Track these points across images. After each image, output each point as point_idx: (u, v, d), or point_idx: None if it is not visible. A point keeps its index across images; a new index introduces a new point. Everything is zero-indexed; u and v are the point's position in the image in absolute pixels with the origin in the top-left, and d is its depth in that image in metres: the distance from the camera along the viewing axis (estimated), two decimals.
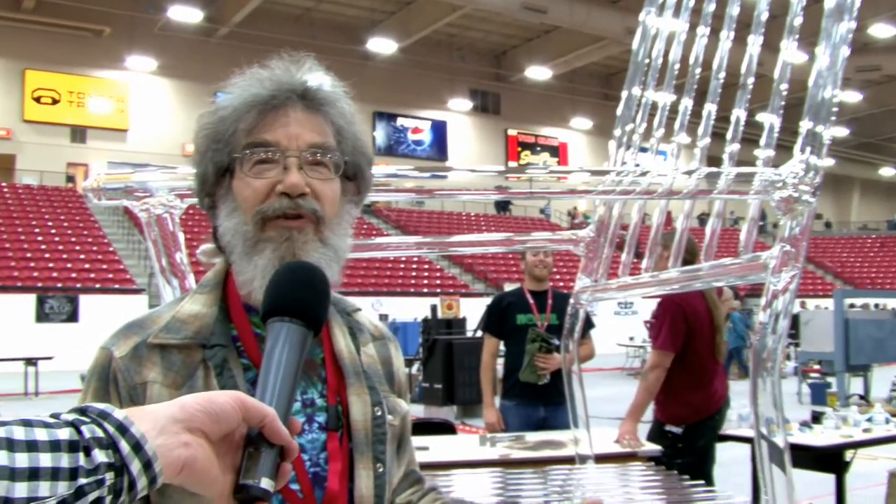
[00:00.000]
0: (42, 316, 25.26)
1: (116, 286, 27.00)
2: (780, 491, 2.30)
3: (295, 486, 1.31)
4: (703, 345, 5.13)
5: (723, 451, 5.50)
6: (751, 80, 3.18)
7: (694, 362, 5.11)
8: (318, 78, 1.43)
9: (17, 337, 22.67)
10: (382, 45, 39.65)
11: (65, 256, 28.16)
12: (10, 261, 26.96)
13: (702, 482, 3.73)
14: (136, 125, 38.47)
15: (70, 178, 35.79)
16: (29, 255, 27.67)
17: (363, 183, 1.50)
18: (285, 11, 39.35)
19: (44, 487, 0.72)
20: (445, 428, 6.23)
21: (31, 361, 17.87)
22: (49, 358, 18.19)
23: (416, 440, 5.13)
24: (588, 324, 5.37)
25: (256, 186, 1.36)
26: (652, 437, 5.17)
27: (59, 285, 26.36)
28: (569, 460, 4.30)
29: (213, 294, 1.41)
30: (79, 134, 37.89)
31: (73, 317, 25.48)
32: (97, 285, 26.87)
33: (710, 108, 3.37)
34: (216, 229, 1.43)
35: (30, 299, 25.33)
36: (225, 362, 1.32)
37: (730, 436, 5.56)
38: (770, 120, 2.82)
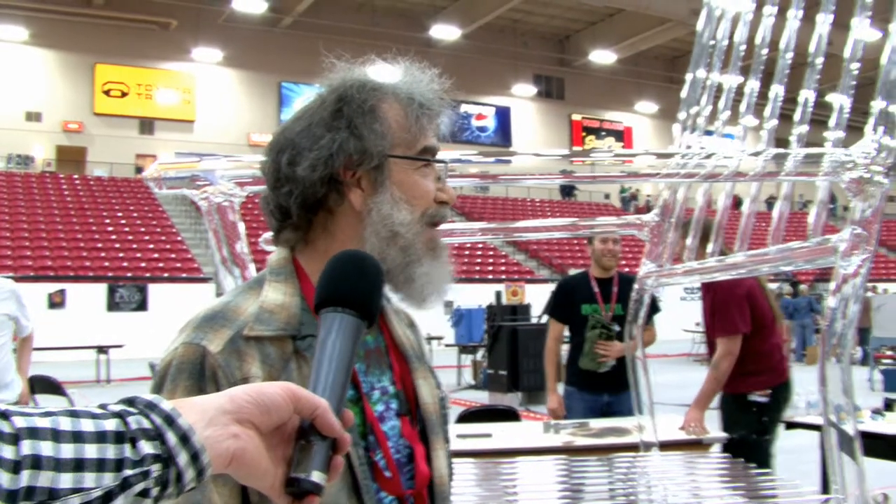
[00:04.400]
0: (113, 305, 25.76)
1: (184, 275, 27.42)
2: (850, 480, 2.25)
3: (387, 474, 1.32)
4: (765, 315, 5.10)
5: (790, 438, 5.40)
6: (820, 59, 3.10)
7: (762, 333, 5.07)
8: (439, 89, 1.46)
9: (90, 325, 23.11)
10: (445, 32, 39.65)
11: (134, 246, 28.71)
12: (81, 251, 27.56)
13: (768, 471, 3.66)
14: (202, 116, 39.02)
15: (139, 170, 36.39)
16: (100, 245, 28.26)
17: None
18: (348, 0, 39.54)
19: (89, 478, 0.71)
20: (509, 415, 6.21)
21: (102, 349, 18.21)
22: (119, 346, 18.54)
23: (481, 427, 5.12)
24: (654, 308, 5.30)
25: (430, 189, 1.42)
26: (733, 417, 5.05)
27: (129, 275, 26.87)
28: (633, 448, 4.26)
29: (289, 283, 1.37)
30: (147, 126, 38.56)
31: (142, 305, 25.95)
32: (165, 274, 27.33)
33: (777, 90, 3.30)
34: (322, 204, 1.38)
35: (101, 288, 25.85)
36: None
37: (797, 423, 5.46)
38: (840, 100, 2.74)
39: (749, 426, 4.91)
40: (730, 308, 5.02)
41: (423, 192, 1.40)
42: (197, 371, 1.23)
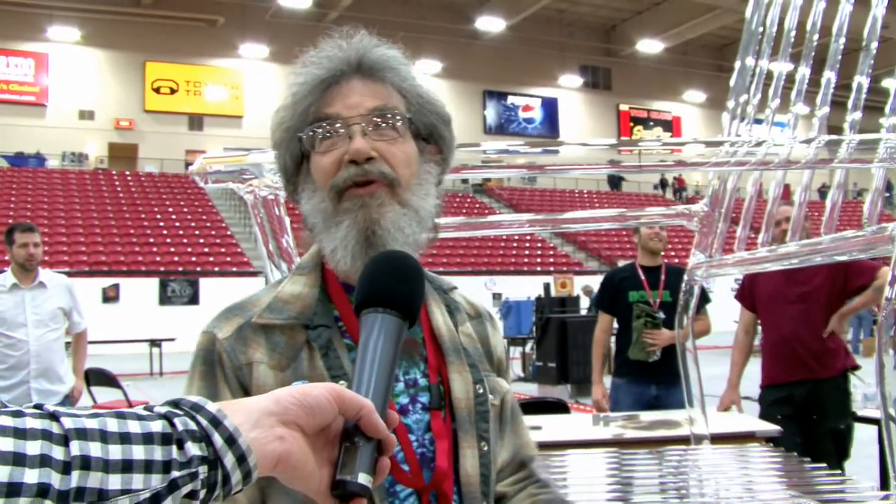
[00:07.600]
0: (165, 299, 26.16)
1: (234, 269, 27.72)
2: None
3: (405, 468, 1.30)
4: None
5: None
6: (874, 43, 3.03)
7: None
8: (370, 47, 1.41)
9: (142, 319, 23.51)
10: (491, 24, 39.56)
11: (185, 241, 29.09)
12: (134, 246, 27.98)
13: (824, 465, 3.58)
14: (250, 111, 39.38)
15: (189, 165, 36.82)
16: (152, 240, 28.66)
17: (443, 143, 1.45)
18: None
19: (137, 480, 0.71)
20: (559, 407, 6.18)
21: (155, 343, 18.51)
22: (171, 339, 18.78)
23: (530, 419, 5.07)
24: (704, 298, 5.24)
25: (326, 162, 1.35)
26: (838, 405, 4.98)
27: (181, 269, 27.22)
28: (684, 440, 4.21)
29: (312, 275, 1.40)
30: (196, 122, 39.04)
31: (193, 299, 26.31)
32: (216, 269, 27.64)
33: (829, 76, 3.23)
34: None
35: (153, 283, 26.24)
36: (329, 343, 1.31)
37: (856, 416, 5.35)
38: None
39: (849, 413, 4.87)
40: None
41: (321, 168, 1.36)
42: (209, 357, 1.33)
